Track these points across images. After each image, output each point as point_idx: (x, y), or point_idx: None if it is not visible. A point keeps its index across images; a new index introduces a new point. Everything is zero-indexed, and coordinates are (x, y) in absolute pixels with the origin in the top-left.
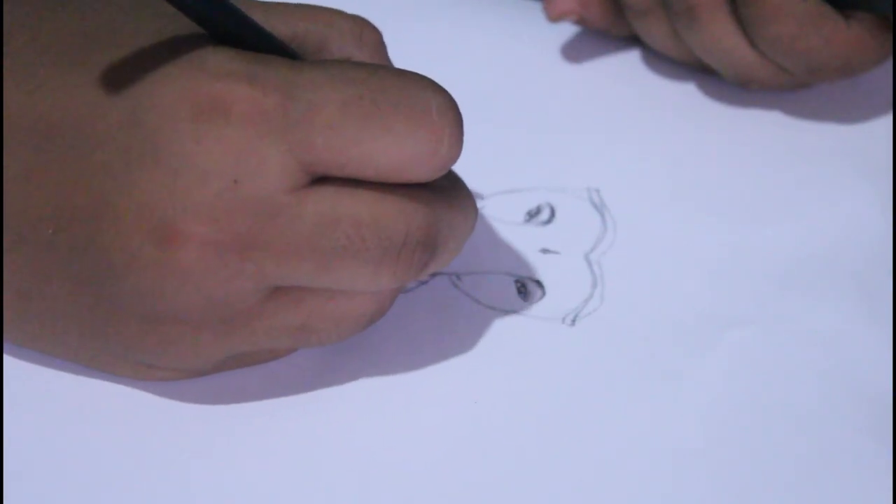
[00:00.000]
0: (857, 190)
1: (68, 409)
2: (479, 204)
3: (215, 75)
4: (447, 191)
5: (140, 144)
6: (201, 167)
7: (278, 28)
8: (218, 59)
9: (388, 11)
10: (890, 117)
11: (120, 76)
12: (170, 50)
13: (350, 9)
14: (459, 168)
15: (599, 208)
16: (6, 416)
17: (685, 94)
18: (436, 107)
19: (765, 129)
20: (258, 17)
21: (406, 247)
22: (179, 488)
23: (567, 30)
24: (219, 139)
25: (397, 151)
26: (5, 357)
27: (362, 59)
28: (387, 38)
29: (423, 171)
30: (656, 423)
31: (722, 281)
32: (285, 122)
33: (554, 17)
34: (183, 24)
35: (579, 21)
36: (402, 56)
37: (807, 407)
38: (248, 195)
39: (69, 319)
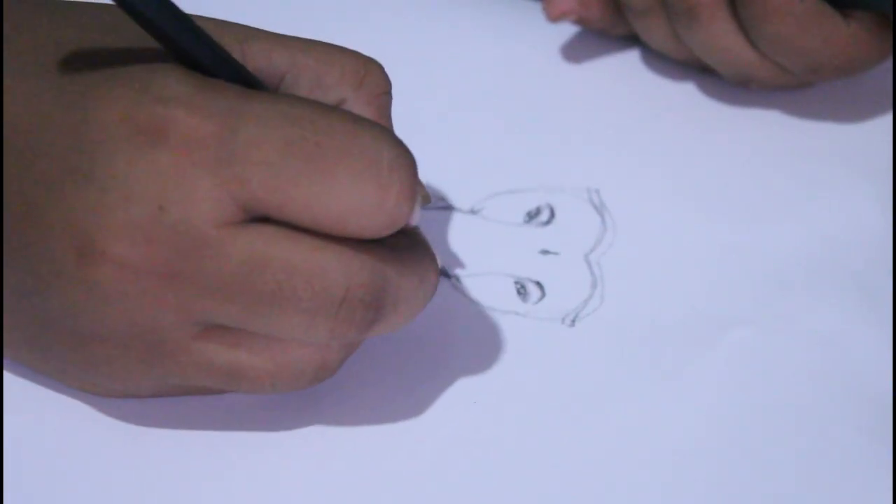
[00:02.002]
0: (857, 190)
1: (68, 409)
2: (478, 206)
3: (158, 98)
4: (403, 251)
5: (77, 159)
6: (129, 188)
7: (276, 57)
8: (166, 81)
9: (389, 11)
10: (890, 117)
11: (72, 88)
12: (125, 68)
13: (351, 9)
14: (459, 169)
15: (599, 209)
16: (6, 416)
17: (685, 94)
18: (388, 160)
19: (765, 129)
20: (261, 44)
21: (346, 303)
22: (180, 489)
23: (567, 30)
24: (149, 163)
25: (339, 200)
26: (5, 358)
27: (357, 102)
28: (386, 39)
29: (368, 225)
30: (656, 423)
31: (722, 281)
32: (221, 153)
33: (554, 17)
34: (151, 43)
35: (579, 21)
36: (402, 56)
37: (807, 407)
38: (172, 222)
39: (13, 330)
